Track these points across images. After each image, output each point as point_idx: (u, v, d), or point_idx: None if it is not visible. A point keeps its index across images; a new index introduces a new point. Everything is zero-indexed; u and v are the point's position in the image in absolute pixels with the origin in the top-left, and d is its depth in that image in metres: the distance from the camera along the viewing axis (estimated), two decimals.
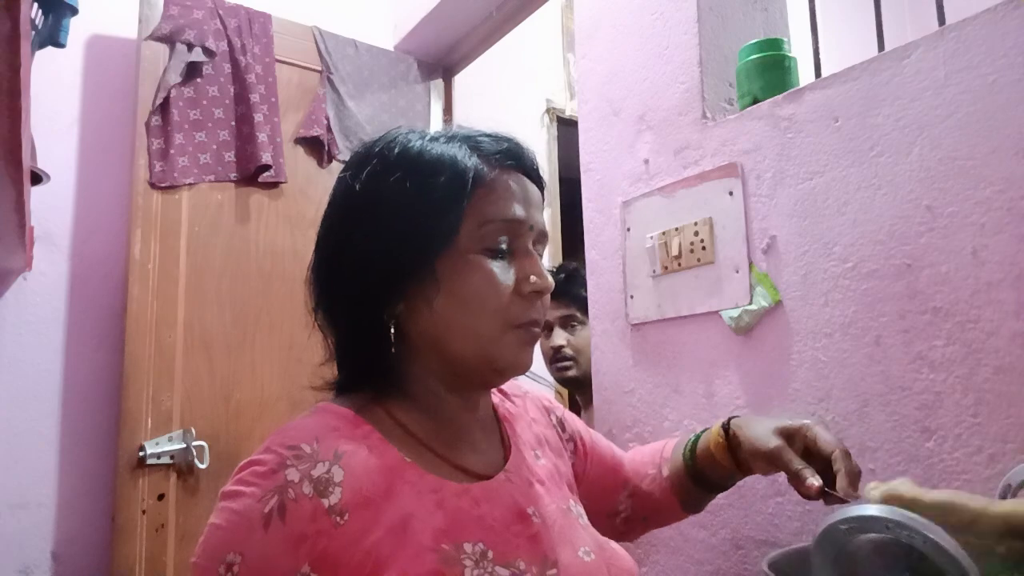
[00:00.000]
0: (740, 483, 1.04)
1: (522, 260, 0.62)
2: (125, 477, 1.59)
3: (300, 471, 0.53)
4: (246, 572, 0.51)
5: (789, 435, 0.68)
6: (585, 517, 0.70)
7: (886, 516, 0.46)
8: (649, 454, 0.87)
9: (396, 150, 0.62)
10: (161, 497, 1.63)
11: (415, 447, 0.61)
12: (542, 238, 0.65)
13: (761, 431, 0.71)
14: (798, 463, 0.65)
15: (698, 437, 0.81)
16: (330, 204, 0.66)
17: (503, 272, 0.61)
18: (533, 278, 0.62)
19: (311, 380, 0.67)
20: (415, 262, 0.59)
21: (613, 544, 0.68)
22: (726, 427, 0.77)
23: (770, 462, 0.69)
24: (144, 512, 1.60)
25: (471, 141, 0.63)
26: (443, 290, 0.59)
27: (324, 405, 0.62)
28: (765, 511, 1.00)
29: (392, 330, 0.62)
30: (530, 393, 0.82)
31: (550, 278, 0.63)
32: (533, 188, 0.65)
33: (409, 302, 0.61)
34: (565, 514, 0.65)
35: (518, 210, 0.61)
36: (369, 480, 0.56)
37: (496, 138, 0.65)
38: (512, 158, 0.64)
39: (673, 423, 1.14)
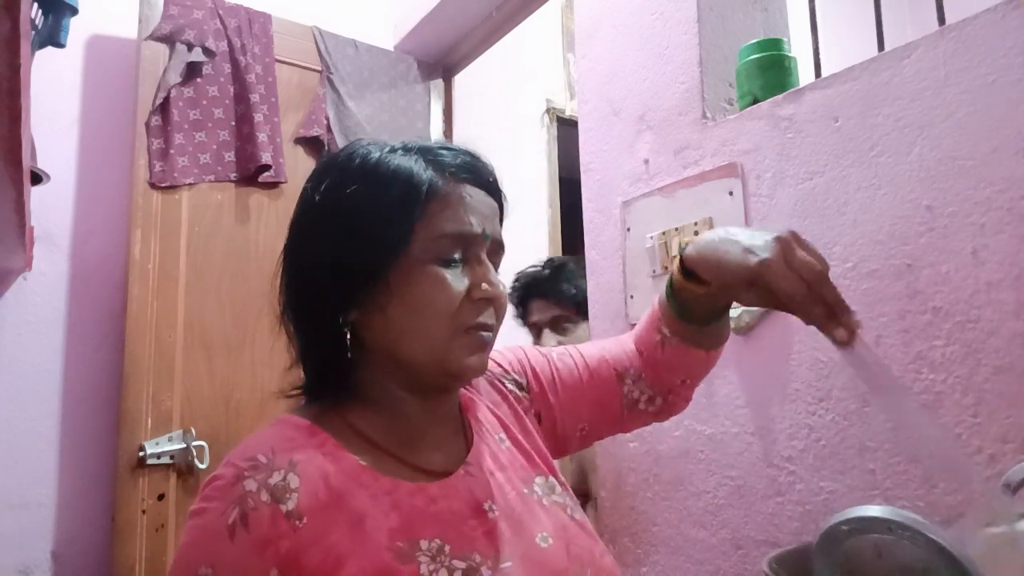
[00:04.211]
0: (740, 483, 1.04)
1: (475, 269, 0.63)
2: (125, 477, 1.59)
3: (257, 481, 0.56)
4: None
5: (749, 284, 0.63)
6: (556, 490, 0.70)
7: (888, 517, 0.46)
8: (646, 325, 0.81)
9: (355, 162, 0.64)
10: (161, 497, 1.63)
11: (372, 451, 0.63)
12: (498, 248, 0.66)
13: (725, 278, 0.65)
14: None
15: (671, 281, 0.75)
16: (294, 214, 0.68)
17: (455, 279, 0.62)
18: (485, 285, 0.63)
19: (279, 385, 0.70)
20: (366, 270, 0.61)
21: (576, 522, 0.68)
22: (684, 268, 0.71)
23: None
24: (144, 512, 1.59)
25: (429, 154, 0.64)
26: (395, 297, 0.61)
27: (283, 417, 0.65)
28: (765, 511, 1.00)
29: (348, 336, 0.63)
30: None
31: (503, 287, 0.64)
32: (489, 200, 0.66)
33: (362, 309, 0.62)
34: (524, 500, 0.66)
35: (472, 223, 0.62)
36: (324, 485, 0.58)
37: (454, 151, 0.65)
38: (468, 171, 0.64)
39: (673, 423, 1.14)
